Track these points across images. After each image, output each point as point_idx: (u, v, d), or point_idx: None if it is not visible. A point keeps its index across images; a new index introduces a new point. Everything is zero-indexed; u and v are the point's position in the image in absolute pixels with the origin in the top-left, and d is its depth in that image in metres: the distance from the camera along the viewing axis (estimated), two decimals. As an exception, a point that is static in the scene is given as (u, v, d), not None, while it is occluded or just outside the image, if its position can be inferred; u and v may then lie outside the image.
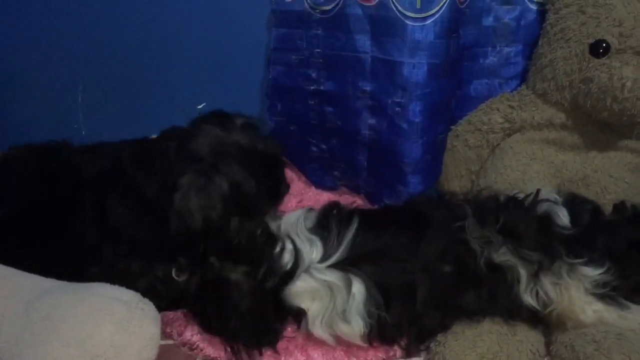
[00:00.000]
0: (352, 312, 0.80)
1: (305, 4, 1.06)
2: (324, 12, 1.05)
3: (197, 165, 0.88)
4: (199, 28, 1.23)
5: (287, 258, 0.84)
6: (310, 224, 0.88)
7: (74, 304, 0.75)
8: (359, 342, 0.80)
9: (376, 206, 1.14)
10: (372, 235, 0.85)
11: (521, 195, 0.91)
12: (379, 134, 1.07)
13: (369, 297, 0.80)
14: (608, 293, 0.80)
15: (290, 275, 0.82)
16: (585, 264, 0.81)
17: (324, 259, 0.83)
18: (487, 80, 1.12)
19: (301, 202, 1.17)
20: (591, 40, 0.95)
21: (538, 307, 0.81)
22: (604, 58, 0.94)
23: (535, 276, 0.81)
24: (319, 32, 1.07)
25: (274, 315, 0.83)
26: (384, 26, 0.99)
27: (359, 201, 1.17)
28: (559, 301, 0.81)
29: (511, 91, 1.10)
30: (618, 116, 0.93)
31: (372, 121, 1.08)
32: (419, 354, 0.83)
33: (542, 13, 1.05)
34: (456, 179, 1.12)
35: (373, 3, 0.99)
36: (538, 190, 0.90)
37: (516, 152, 1.04)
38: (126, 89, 1.28)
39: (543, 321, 0.83)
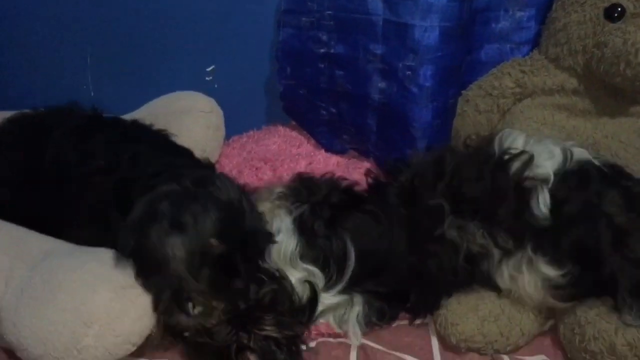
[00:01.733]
0: (350, 322, 0.82)
1: (317, -35, 1.05)
2: (336, -27, 1.04)
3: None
4: (208, -11, 1.22)
5: (300, 291, 0.80)
6: (297, 248, 0.82)
7: (73, 269, 0.74)
8: None
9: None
10: (369, 251, 0.83)
11: (514, 150, 0.82)
12: (389, 97, 1.07)
13: (369, 309, 0.82)
14: (561, 292, 0.78)
15: (312, 310, 0.81)
16: (546, 262, 0.77)
17: (329, 287, 0.82)
18: (498, 45, 1.11)
19: (311, 164, 1.18)
20: (606, 4, 0.94)
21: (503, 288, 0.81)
22: (618, 22, 0.93)
23: (500, 262, 0.80)
24: (330, -7, 1.06)
25: None
26: (397, -12, 0.98)
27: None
28: (514, 290, 0.81)
29: (522, 56, 1.10)
30: (631, 81, 0.93)
31: (382, 85, 1.07)
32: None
33: (556, -23, 1.04)
34: (466, 144, 1.12)
35: (386, -35, 0.98)
36: (531, 157, 0.81)
37: (527, 117, 1.04)
38: (135, 50, 1.27)
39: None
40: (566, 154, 0.82)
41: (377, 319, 0.83)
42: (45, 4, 1.26)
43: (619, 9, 0.93)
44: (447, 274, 0.82)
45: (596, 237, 0.77)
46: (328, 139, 1.23)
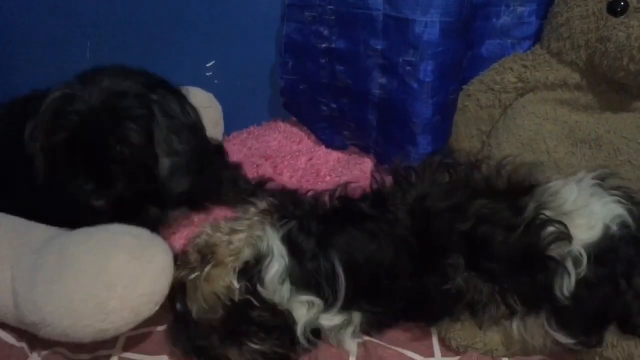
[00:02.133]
0: (346, 337, 0.81)
1: (320, -40, 1.05)
2: (337, -32, 1.03)
3: None
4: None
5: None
6: (293, 285, 0.80)
7: (83, 241, 0.76)
8: None
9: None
10: (363, 273, 0.81)
11: (552, 213, 0.76)
12: (390, 93, 1.07)
13: (367, 324, 0.82)
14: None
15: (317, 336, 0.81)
16: (562, 332, 0.75)
17: (327, 309, 0.80)
18: (499, 41, 1.11)
19: (311, 159, 1.18)
20: (609, -2, 0.93)
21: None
22: (622, 17, 0.92)
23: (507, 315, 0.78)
24: (331, -12, 1.06)
25: None
26: (397, -17, 0.97)
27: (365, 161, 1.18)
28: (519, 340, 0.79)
29: (524, 52, 1.09)
30: (634, 76, 0.92)
31: (382, 80, 1.07)
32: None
33: (558, -29, 1.03)
34: (467, 139, 1.12)
35: (387, -40, 0.98)
36: (566, 229, 0.75)
37: (529, 112, 1.03)
38: (135, 45, 1.27)
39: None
40: (607, 227, 0.75)
41: (375, 331, 0.83)
42: (44, -2, 1.26)
43: (622, 3, 0.92)
44: (447, 310, 0.81)
45: (625, 311, 0.75)
46: (328, 134, 1.23)
